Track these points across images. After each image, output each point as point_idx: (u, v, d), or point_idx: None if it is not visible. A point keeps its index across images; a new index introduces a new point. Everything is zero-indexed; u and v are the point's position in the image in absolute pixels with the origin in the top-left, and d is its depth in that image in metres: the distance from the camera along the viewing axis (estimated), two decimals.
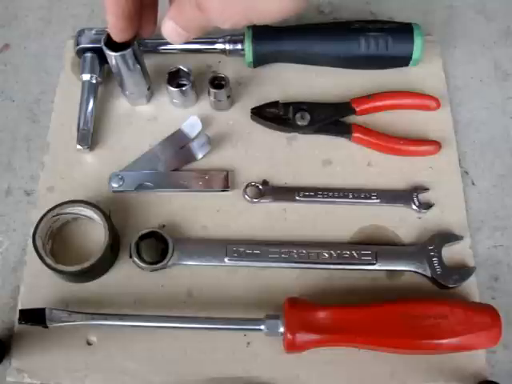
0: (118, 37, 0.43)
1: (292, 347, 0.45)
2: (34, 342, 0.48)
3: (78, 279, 0.50)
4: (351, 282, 0.50)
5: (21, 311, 0.46)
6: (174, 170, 0.55)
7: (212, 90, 0.55)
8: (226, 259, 0.50)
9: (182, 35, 0.41)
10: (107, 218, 0.50)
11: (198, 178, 0.54)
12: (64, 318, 0.46)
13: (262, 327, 0.46)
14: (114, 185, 0.53)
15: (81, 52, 0.57)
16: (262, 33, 0.57)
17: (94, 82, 0.57)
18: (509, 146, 0.58)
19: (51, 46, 0.63)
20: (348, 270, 0.50)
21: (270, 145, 0.57)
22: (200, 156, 0.55)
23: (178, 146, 0.56)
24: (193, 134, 0.56)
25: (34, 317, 0.46)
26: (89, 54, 0.57)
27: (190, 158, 0.55)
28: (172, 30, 0.41)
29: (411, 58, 0.57)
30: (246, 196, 0.54)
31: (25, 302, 0.49)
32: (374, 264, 0.50)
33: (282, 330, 0.45)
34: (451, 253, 0.51)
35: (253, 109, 0.56)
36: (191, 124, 0.56)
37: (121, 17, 0.41)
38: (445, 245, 0.51)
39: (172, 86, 0.56)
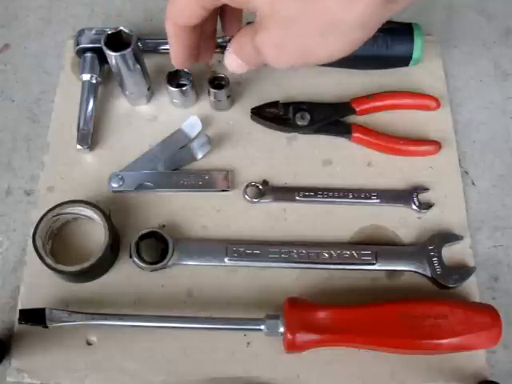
0: (179, 66, 0.45)
1: (292, 347, 0.45)
2: (34, 342, 0.48)
3: (78, 279, 0.50)
4: (351, 282, 0.50)
5: (21, 311, 0.46)
6: (174, 170, 0.55)
7: (212, 90, 0.55)
8: (226, 259, 0.50)
9: (243, 67, 0.42)
10: (107, 217, 0.50)
11: (198, 177, 0.54)
12: (64, 318, 0.46)
13: (262, 327, 0.46)
14: (114, 185, 0.53)
15: (81, 52, 0.57)
16: None
17: (93, 81, 0.57)
18: (509, 146, 0.58)
19: (51, 46, 0.63)
20: (348, 270, 0.50)
21: (270, 145, 0.57)
22: (200, 156, 0.55)
23: (178, 146, 0.56)
24: (193, 134, 0.56)
25: (34, 317, 0.46)
26: (89, 54, 0.57)
27: (190, 157, 0.55)
28: (233, 61, 0.43)
29: (411, 58, 0.57)
30: (246, 196, 0.54)
31: (25, 302, 0.49)
32: (373, 264, 0.50)
33: (281, 329, 0.45)
34: (451, 253, 0.51)
35: (253, 109, 0.56)
36: (191, 124, 0.56)
37: (182, 49, 0.42)
38: (445, 245, 0.51)
39: (172, 86, 0.56)
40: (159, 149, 0.56)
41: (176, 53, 0.43)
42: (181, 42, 0.41)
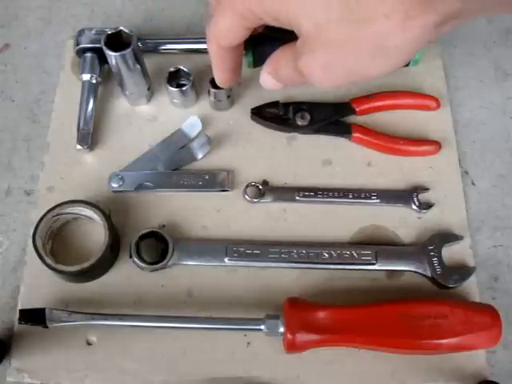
0: (224, 85, 0.45)
1: (292, 347, 0.45)
2: (34, 342, 0.48)
3: (78, 279, 0.50)
4: (351, 282, 0.50)
5: (21, 311, 0.46)
6: (174, 170, 0.55)
7: (212, 90, 0.55)
8: (226, 259, 0.50)
9: (278, 86, 0.42)
10: (107, 217, 0.50)
11: (198, 177, 0.54)
12: (64, 317, 0.46)
13: (262, 327, 0.46)
14: (114, 185, 0.53)
15: (81, 52, 0.57)
16: (261, 32, 0.57)
17: (94, 82, 0.57)
18: (509, 146, 0.58)
19: (51, 46, 0.63)
20: (348, 270, 0.50)
21: (270, 145, 0.57)
22: (200, 156, 0.55)
23: (178, 146, 0.56)
24: (193, 134, 0.56)
25: (34, 317, 0.46)
26: (89, 54, 0.57)
27: (190, 157, 0.55)
28: (269, 81, 0.42)
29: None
30: (246, 196, 0.54)
31: (25, 302, 0.49)
32: (373, 264, 0.50)
33: (282, 329, 0.45)
34: (451, 253, 0.51)
35: (253, 109, 0.56)
36: (191, 124, 0.56)
37: (226, 69, 0.41)
38: (445, 245, 0.51)
39: (172, 86, 0.56)
40: (159, 149, 0.56)
41: (220, 74, 0.42)
42: (224, 63, 0.40)
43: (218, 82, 0.44)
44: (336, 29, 0.33)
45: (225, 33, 0.37)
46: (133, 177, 0.54)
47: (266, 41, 0.57)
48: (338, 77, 0.37)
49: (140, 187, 0.53)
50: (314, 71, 0.36)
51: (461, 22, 0.34)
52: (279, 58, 0.40)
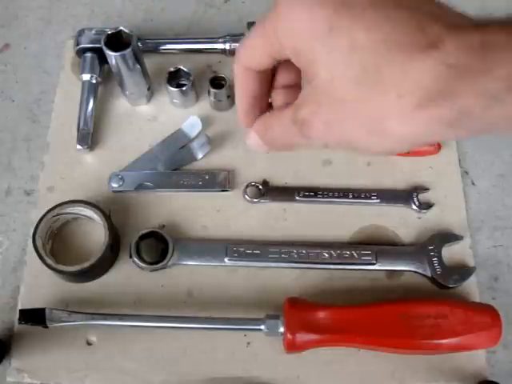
0: (242, 121, 0.42)
1: (292, 347, 0.45)
2: (34, 342, 0.48)
3: (78, 279, 0.50)
4: (351, 282, 0.50)
5: (21, 311, 0.46)
6: (174, 170, 0.55)
7: (212, 90, 0.55)
8: (226, 259, 0.50)
9: (264, 148, 0.41)
10: (107, 217, 0.50)
11: (198, 177, 0.54)
12: (64, 317, 0.46)
13: (262, 327, 0.46)
14: (114, 185, 0.53)
15: (81, 52, 0.57)
16: None
17: (94, 82, 0.57)
18: (509, 146, 0.58)
19: (51, 46, 0.63)
20: (348, 270, 0.50)
21: None
22: (200, 156, 0.55)
23: (178, 146, 0.56)
24: (193, 134, 0.56)
25: (34, 317, 0.46)
26: (89, 54, 0.57)
27: (190, 157, 0.55)
28: (255, 142, 0.41)
29: None
30: (246, 196, 0.53)
31: (25, 302, 0.49)
32: (373, 264, 0.50)
33: (281, 329, 0.45)
34: (451, 253, 0.51)
35: None
36: (191, 124, 0.56)
37: (245, 98, 0.40)
38: (445, 245, 0.51)
39: (172, 86, 0.56)
40: (159, 149, 0.56)
41: (239, 100, 0.40)
42: (244, 85, 0.39)
43: (239, 113, 0.41)
44: (346, 87, 0.31)
45: (249, 50, 0.36)
46: (133, 177, 0.54)
47: None
48: (336, 136, 0.35)
49: (140, 187, 0.53)
50: (315, 123, 0.35)
51: (479, 134, 0.32)
52: (270, 116, 0.39)
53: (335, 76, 0.32)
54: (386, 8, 0.31)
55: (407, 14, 0.30)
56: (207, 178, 0.54)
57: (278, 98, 0.40)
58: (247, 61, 0.37)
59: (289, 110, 0.36)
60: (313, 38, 0.32)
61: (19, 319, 0.46)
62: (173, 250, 0.50)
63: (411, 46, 0.29)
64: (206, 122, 0.57)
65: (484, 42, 0.28)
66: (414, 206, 0.53)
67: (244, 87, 0.39)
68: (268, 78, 0.39)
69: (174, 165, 0.55)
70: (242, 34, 0.57)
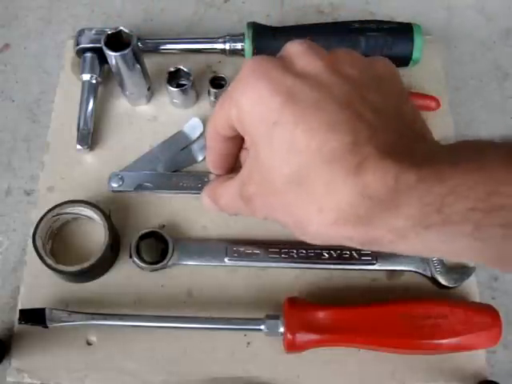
0: (211, 168, 0.44)
1: (292, 347, 0.45)
2: (34, 341, 0.48)
3: (78, 279, 0.50)
4: (351, 281, 0.50)
5: (21, 311, 0.46)
6: (174, 172, 0.55)
7: (212, 90, 0.55)
8: (226, 259, 0.50)
9: (216, 210, 0.42)
10: (107, 217, 0.50)
11: (198, 180, 0.54)
12: (64, 318, 0.46)
13: (262, 327, 0.46)
14: (114, 185, 0.53)
15: (81, 52, 0.57)
16: (261, 32, 0.57)
17: (93, 82, 0.57)
18: None
19: (51, 46, 0.63)
20: (348, 270, 0.50)
21: None
22: (200, 158, 0.55)
23: (179, 148, 0.56)
24: (194, 136, 0.56)
25: (34, 317, 0.46)
26: (89, 54, 0.57)
27: (191, 159, 0.55)
28: (208, 204, 0.42)
29: (411, 58, 0.57)
30: None
31: (25, 302, 0.49)
32: (373, 264, 0.50)
33: (281, 329, 0.45)
34: None
35: None
36: (193, 126, 0.56)
37: (217, 156, 0.42)
38: None
39: (172, 86, 0.56)
40: (159, 150, 0.56)
41: (210, 156, 0.42)
42: (215, 146, 0.40)
43: (207, 163, 0.43)
44: (280, 180, 0.32)
45: (216, 119, 0.37)
46: (133, 177, 0.54)
47: (266, 40, 0.58)
48: (274, 217, 0.36)
49: (140, 187, 0.53)
50: (257, 202, 0.36)
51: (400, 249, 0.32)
52: (220, 185, 0.40)
53: (273, 166, 0.32)
54: (329, 109, 0.31)
55: (349, 122, 0.30)
56: (207, 180, 0.54)
57: (244, 157, 0.41)
58: (214, 127, 0.38)
59: (236, 184, 0.38)
60: (258, 125, 0.33)
61: (19, 319, 0.46)
62: (173, 250, 0.50)
63: (340, 164, 0.29)
64: (206, 122, 0.57)
65: (397, 178, 0.28)
66: None
67: (212, 145, 0.41)
68: (236, 141, 0.39)
69: (175, 166, 0.55)
70: (242, 34, 0.57)
